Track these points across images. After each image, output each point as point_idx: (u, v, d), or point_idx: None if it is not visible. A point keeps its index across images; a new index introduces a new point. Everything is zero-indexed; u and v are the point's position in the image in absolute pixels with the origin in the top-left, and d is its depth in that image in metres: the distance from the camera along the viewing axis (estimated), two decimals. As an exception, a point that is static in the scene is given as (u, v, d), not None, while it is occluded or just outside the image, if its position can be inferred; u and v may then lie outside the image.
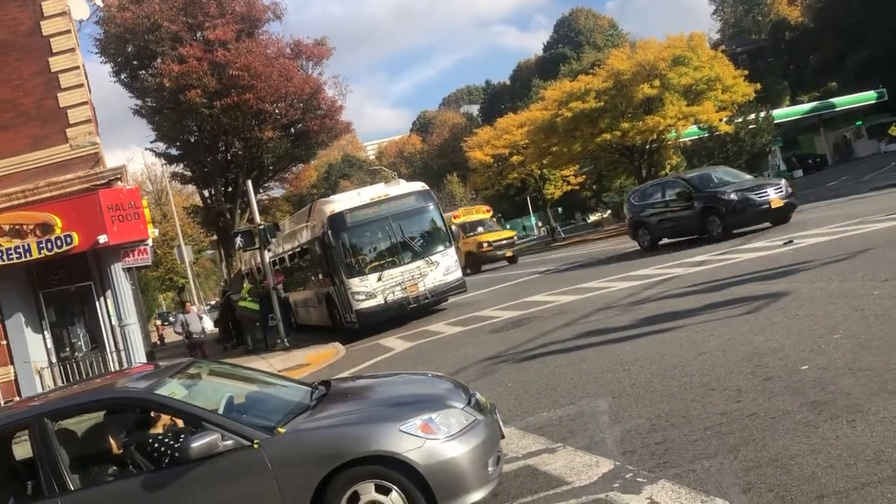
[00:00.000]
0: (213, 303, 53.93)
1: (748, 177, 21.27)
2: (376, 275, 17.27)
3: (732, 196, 17.70)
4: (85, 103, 15.14)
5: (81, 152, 14.70)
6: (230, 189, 38.04)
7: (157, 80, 33.03)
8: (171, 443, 5.10)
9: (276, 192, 50.94)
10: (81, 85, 15.11)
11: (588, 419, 6.32)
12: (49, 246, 13.39)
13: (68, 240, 13.44)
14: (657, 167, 42.31)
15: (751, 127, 39.60)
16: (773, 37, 72.19)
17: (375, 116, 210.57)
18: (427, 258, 17.85)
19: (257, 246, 20.38)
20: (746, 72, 39.05)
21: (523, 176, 52.69)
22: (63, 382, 14.17)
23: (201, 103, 32.09)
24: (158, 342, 38.59)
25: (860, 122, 57.25)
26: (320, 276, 19.45)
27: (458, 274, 18.50)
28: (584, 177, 55.70)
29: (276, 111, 34.97)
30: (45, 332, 14.93)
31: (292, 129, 36.82)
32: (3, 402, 13.29)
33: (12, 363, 14.37)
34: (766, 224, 18.16)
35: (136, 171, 52.43)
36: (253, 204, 22.08)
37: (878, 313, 7.25)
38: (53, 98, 14.70)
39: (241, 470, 4.61)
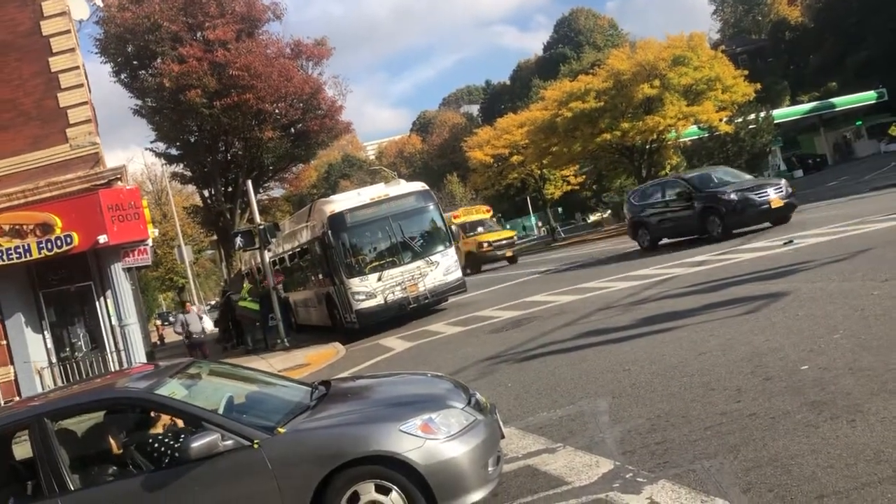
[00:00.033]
0: (212, 303, 53.93)
1: (748, 177, 21.23)
2: (376, 275, 17.27)
3: (732, 196, 17.69)
4: (85, 103, 15.14)
5: (81, 152, 14.70)
6: (230, 189, 38.05)
7: (157, 80, 33.03)
8: (171, 443, 5.10)
9: (276, 192, 50.98)
10: (81, 85, 15.11)
11: (588, 419, 6.32)
12: (49, 246, 13.39)
13: (68, 240, 13.44)
14: (657, 167, 42.31)
15: (751, 127, 39.60)
16: (773, 37, 72.20)
17: (375, 116, 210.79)
18: (427, 258, 17.85)
19: (257, 246, 20.38)
20: (746, 72, 39.04)
21: (523, 176, 52.69)
22: (63, 382, 14.17)
23: (201, 103, 32.10)
24: (158, 342, 38.60)
25: (860, 122, 57.26)
26: (320, 276, 19.45)
27: (458, 274, 18.50)
28: (584, 177, 55.70)
29: (276, 111, 34.97)
30: (45, 332, 14.93)
31: (292, 129, 36.83)
32: (3, 402, 13.29)
33: (12, 363, 14.37)
34: (767, 224, 18.15)
35: (136, 171, 52.50)
36: (253, 204, 22.08)
37: (878, 313, 7.25)
38: (53, 98, 14.70)
39: (241, 470, 4.61)
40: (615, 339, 9.22)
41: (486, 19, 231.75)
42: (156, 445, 5.20)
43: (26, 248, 13.33)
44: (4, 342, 14.42)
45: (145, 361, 13.54)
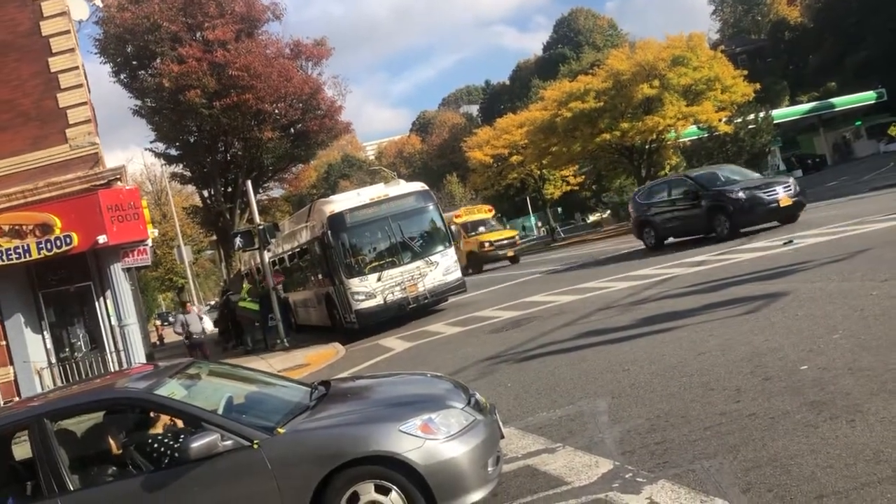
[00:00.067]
0: (212, 303, 53.92)
1: (756, 175, 20.87)
2: (376, 275, 17.27)
3: (740, 194, 17.37)
4: (84, 103, 15.14)
5: (81, 152, 14.69)
6: (230, 189, 38.05)
7: (156, 80, 33.03)
8: (171, 443, 5.11)
9: (276, 192, 51.00)
10: (81, 85, 15.10)
11: (587, 419, 6.33)
12: (48, 246, 13.38)
13: (68, 240, 13.44)
14: (656, 167, 42.33)
15: (750, 127, 39.60)
16: (773, 37, 72.21)
17: (375, 116, 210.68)
18: (426, 258, 17.85)
19: (257, 246, 20.38)
20: (746, 72, 39.07)
21: (523, 176, 52.72)
22: (62, 383, 14.16)
23: (201, 103, 32.10)
24: (158, 342, 38.58)
25: (859, 123, 57.28)
26: (320, 277, 19.46)
27: (458, 274, 18.50)
28: (583, 177, 55.71)
29: (276, 111, 34.98)
30: (45, 333, 14.92)
31: (292, 130, 36.84)
32: (2, 403, 13.28)
33: (12, 363, 14.36)
34: (775, 223, 17.86)
35: (136, 172, 52.49)
36: (252, 204, 22.09)
37: (878, 313, 7.26)
38: (53, 98, 14.69)
39: (240, 470, 4.61)
40: (615, 340, 9.22)
41: (486, 19, 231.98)
42: (155, 446, 5.20)
43: (26, 248, 13.33)
44: (4, 342, 14.41)
45: (145, 362, 13.54)
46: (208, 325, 21.62)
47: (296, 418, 4.98)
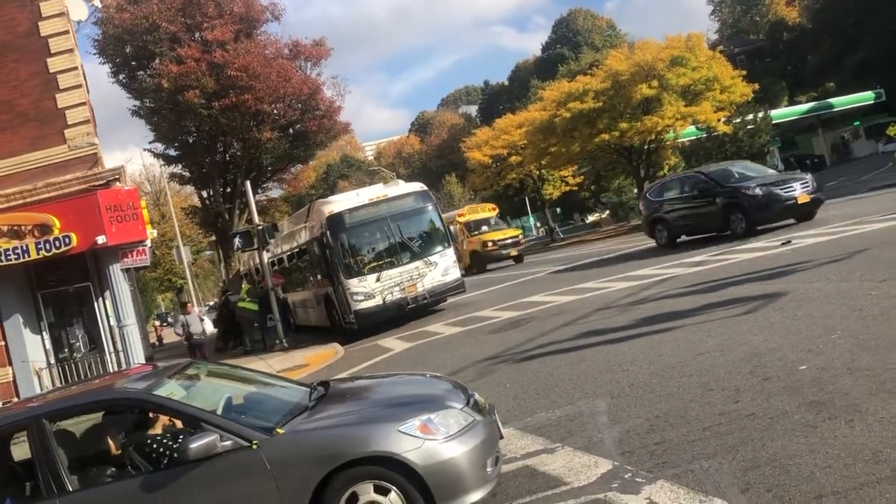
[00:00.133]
0: (211, 303, 53.90)
1: (771, 171, 20.27)
2: (375, 275, 17.27)
3: (757, 191, 16.94)
4: (83, 104, 15.13)
5: (80, 153, 14.69)
6: (229, 190, 38.06)
7: (155, 80, 33.03)
8: (170, 443, 5.10)
9: (275, 192, 51.03)
10: (80, 86, 15.10)
11: (587, 419, 6.33)
12: (47, 247, 13.38)
13: (67, 240, 13.43)
14: (655, 167, 42.33)
15: (749, 127, 39.63)
16: (771, 37, 72.27)
17: (374, 117, 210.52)
18: (425, 258, 17.86)
19: (256, 247, 20.38)
20: (744, 72, 39.04)
21: (522, 176, 52.69)
22: (61, 383, 14.16)
23: (200, 104, 32.11)
24: (157, 343, 38.54)
25: (858, 123, 57.33)
26: (319, 277, 19.45)
27: (457, 274, 18.50)
28: (582, 177, 55.66)
29: (275, 112, 34.99)
30: (44, 333, 14.92)
31: (291, 130, 36.85)
32: (1, 404, 13.27)
33: (11, 364, 14.35)
34: (791, 220, 17.48)
35: (135, 172, 52.48)
36: (251, 204, 22.09)
37: (876, 313, 7.26)
38: (52, 99, 14.69)
39: (239, 471, 4.61)
40: (614, 340, 9.23)
41: (485, 20, 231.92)
42: (154, 446, 5.19)
43: (25, 248, 13.32)
44: (3, 343, 14.40)
45: (144, 362, 13.53)
46: (209, 327, 21.61)
47: (295, 419, 4.98)
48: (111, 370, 14.35)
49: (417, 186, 19.18)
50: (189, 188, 48.16)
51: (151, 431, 5.64)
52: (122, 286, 14.57)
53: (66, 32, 15.01)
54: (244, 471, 4.60)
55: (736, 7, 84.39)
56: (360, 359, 14.14)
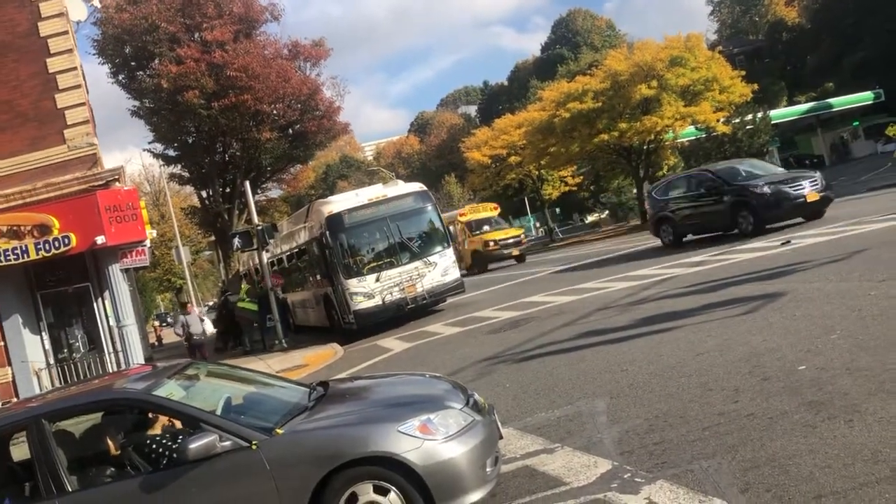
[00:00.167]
0: (210, 304, 53.87)
1: (779, 169, 20.16)
2: (374, 275, 17.27)
3: (765, 189, 16.64)
4: (82, 104, 15.13)
5: (79, 153, 14.69)
6: (228, 190, 38.06)
7: (154, 80, 33.04)
8: (169, 444, 5.10)
9: (274, 192, 51.05)
10: (79, 86, 15.10)
11: (586, 419, 6.33)
12: (47, 247, 13.37)
13: (66, 241, 13.43)
14: (655, 168, 42.36)
15: (748, 127, 39.59)
16: (771, 37, 72.30)
17: (373, 117, 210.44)
18: (425, 259, 17.85)
19: (255, 247, 20.38)
20: (744, 72, 39.08)
21: (521, 176, 52.67)
22: (61, 383, 14.16)
23: (199, 104, 32.12)
24: (156, 343, 38.53)
25: (857, 123, 57.34)
26: (318, 277, 19.45)
27: (457, 274, 18.50)
28: (581, 177, 55.67)
29: (274, 112, 35.00)
30: (43, 333, 14.92)
31: (290, 130, 36.86)
32: (1, 404, 13.27)
33: (10, 364, 14.35)
34: (800, 219, 17.30)
35: (134, 172, 52.51)
36: (251, 205, 22.09)
37: (875, 313, 7.27)
38: (51, 99, 14.69)
39: (239, 471, 4.61)
40: (613, 340, 9.23)
41: (484, 20, 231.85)
42: (154, 446, 5.19)
43: (24, 249, 13.32)
44: (2, 343, 14.40)
45: (143, 362, 13.53)
46: (209, 327, 21.59)
47: (294, 419, 4.98)
48: (110, 370, 14.35)
49: (417, 187, 19.18)
50: (188, 188, 48.21)
51: (151, 432, 5.64)
52: (121, 286, 14.56)
53: (66, 33, 15.02)
54: (243, 471, 4.60)
55: (735, 7, 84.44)
56: (359, 359, 14.14)
